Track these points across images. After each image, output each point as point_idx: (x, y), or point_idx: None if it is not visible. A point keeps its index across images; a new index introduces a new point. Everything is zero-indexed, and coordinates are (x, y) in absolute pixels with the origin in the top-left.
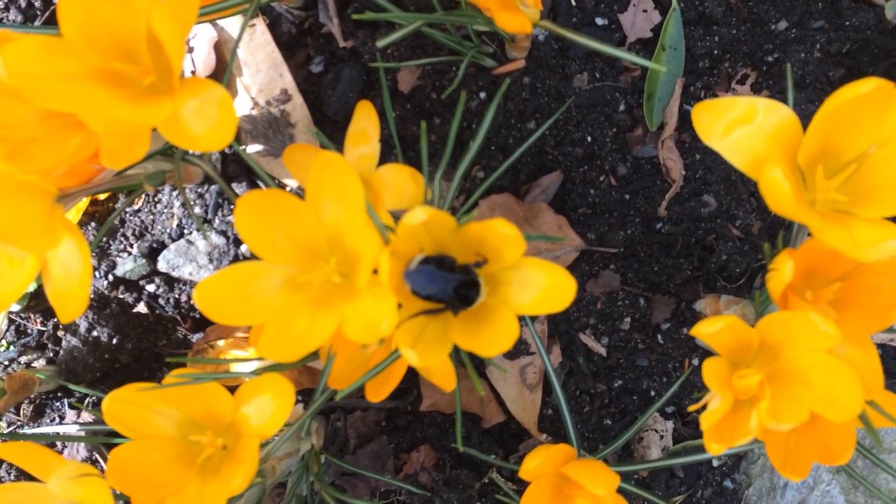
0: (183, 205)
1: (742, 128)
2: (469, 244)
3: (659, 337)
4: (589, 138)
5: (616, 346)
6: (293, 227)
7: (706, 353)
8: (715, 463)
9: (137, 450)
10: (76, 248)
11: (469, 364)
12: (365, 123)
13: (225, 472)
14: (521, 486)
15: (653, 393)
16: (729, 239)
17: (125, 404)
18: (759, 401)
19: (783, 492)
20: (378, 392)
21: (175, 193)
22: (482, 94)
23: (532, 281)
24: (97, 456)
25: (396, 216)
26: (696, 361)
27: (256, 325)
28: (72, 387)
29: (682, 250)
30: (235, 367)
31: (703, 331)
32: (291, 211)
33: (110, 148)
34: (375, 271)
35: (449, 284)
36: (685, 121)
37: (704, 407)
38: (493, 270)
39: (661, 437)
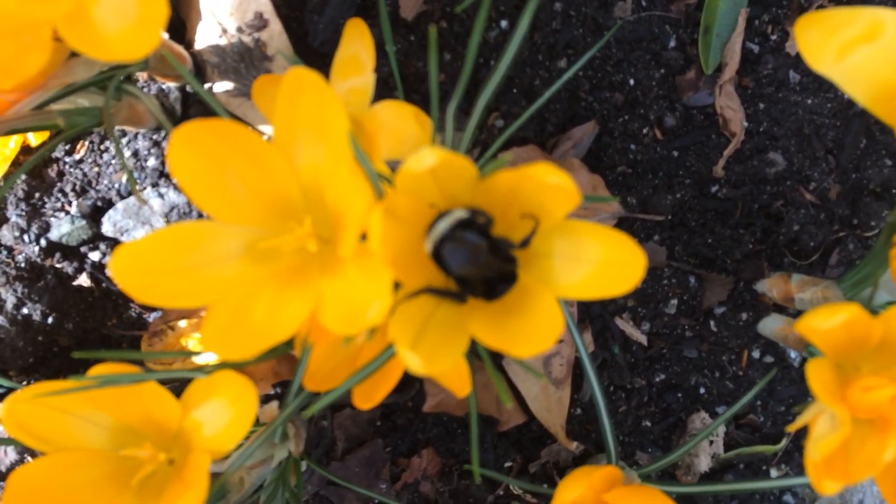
0: (136, 155)
1: (865, 47)
2: (494, 202)
3: (712, 323)
4: (631, 81)
5: (659, 334)
6: (253, 174)
7: (768, 343)
8: (773, 473)
9: (52, 468)
10: None
11: (488, 360)
12: (356, 48)
13: (167, 498)
14: (542, 499)
15: (702, 390)
16: (801, 205)
17: (35, 408)
18: (890, 422)
19: None
20: (368, 397)
21: (126, 140)
22: (503, 23)
23: (583, 253)
24: (30, 459)
25: (394, 168)
26: (756, 353)
27: (202, 305)
28: None
29: (741, 219)
30: (195, 357)
31: (820, 325)
32: (251, 151)
33: None
34: (365, 237)
35: (489, 268)
36: (748, 62)
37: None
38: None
39: (711, 442)
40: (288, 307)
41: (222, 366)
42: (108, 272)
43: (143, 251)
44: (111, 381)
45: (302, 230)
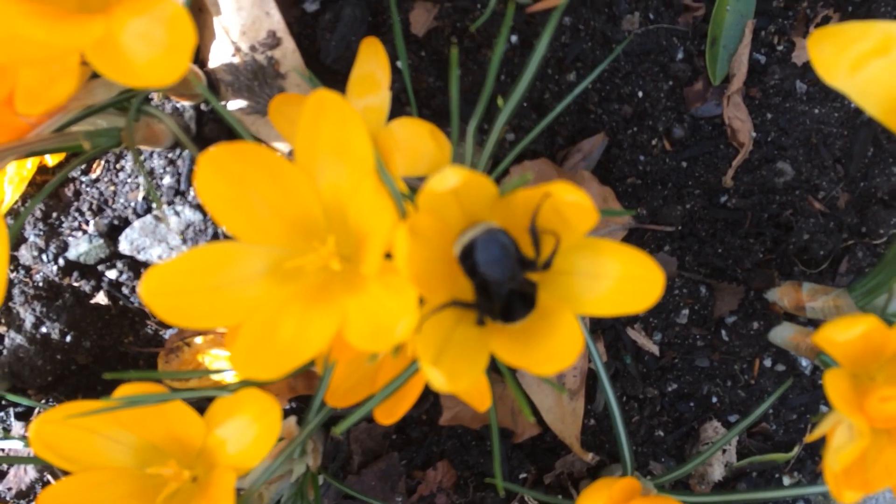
0: (151, 173)
1: (877, 61)
2: (514, 219)
3: (723, 332)
4: (640, 93)
5: (671, 344)
6: (277, 195)
7: (780, 352)
8: (786, 481)
9: (79, 487)
10: None
11: (509, 376)
12: (372, 66)
13: None
14: None
15: (714, 399)
16: (810, 214)
17: (61, 428)
18: None
19: None
20: (390, 413)
21: (141, 160)
22: (513, 38)
23: (602, 270)
24: (49, 477)
25: (411, 186)
26: (767, 362)
27: (229, 326)
28: (12, 397)
29: (751, 228)
30: (214, 374)
31: (838, 337)
32: (274, 172)
33: (25, 84)
34: (388, 255)
35: (511, 282)
36: (755, 72)
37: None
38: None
39: (724, 451)
40: (314, 325)
41: (245, 383)
42: (137, 292)
43: (171, 273)
44: (140, 402)
45: (325, 249)
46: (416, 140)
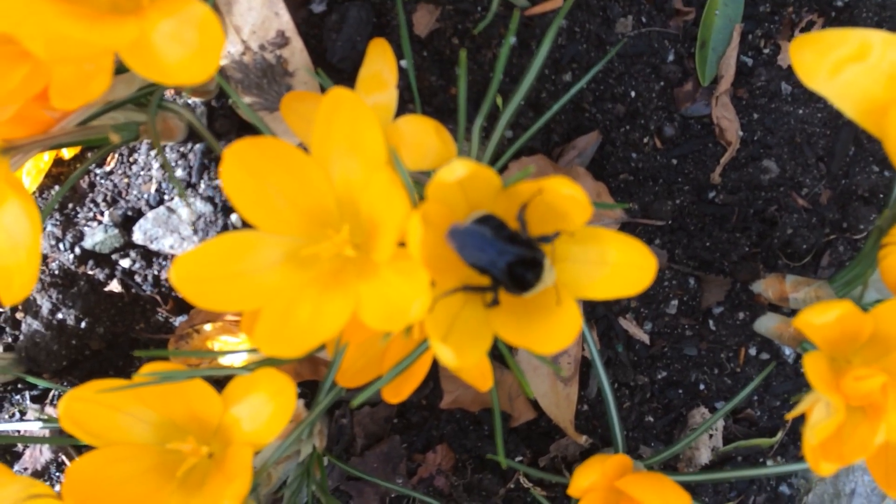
0: (162, 166)
1: (854, 66)
2: (515, 210)
3: (710, 322)
4: (632, 93)
5: (661, 333)
6: (294, 187)
7: (764, 341)
8: (770, 465)
9: (103, 461)
10: (24, 212)
11: (510, 358)
12: (380, 65)
13: (211, 488)
14: (552, 491)
15: (702, 386)
16: (794, 210)
17: (88, 405)
18: (880, 409)
19: (850, 499)
20: (398, 392)
21: (154, 152)
22: (512, 39)
23: (599, 257)
24: (63, 457)
25: (416, 180)
26: (752, 351)
27: (249, 310)
28: (31, 379)
29: (738, 223)
30: (222, 357)
31: (815, 321)
32: (292, 165)
33: (61, 81)
34: (401, 243)
35: (502, 257)
36: (742, 74)
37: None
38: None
39: (711, 436)
40: (329, 309)
41: (259, 363)
42: (167, 278)
43: (197, 261)
44: (165, 378)
45: (339, 237)
46: (422, 136)
